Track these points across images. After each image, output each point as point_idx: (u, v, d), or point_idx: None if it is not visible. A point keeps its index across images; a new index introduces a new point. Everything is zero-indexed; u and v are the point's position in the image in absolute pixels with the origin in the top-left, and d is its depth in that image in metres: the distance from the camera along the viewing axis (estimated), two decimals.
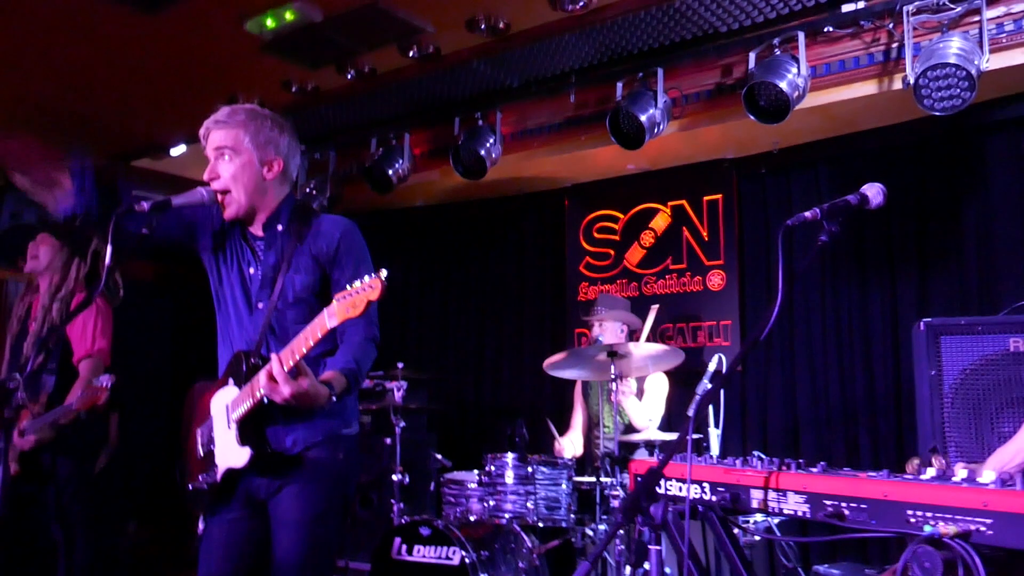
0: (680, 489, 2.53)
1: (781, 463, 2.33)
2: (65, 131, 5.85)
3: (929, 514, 1.91)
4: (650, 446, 4.98)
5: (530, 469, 4.54)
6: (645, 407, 5.12)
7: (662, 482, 2.58)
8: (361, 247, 2.78)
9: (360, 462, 2.90)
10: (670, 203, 6.18)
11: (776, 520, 4.09)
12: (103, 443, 4.37)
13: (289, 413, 2.56)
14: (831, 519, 2.11)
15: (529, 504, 4.49)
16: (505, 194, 6.81)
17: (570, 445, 5.28)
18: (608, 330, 5.23)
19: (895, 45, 4.46)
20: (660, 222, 6.22)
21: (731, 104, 4.94)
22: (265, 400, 2.48)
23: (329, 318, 2.35)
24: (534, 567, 4.40)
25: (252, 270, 2.77)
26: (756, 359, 5.68)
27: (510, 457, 4.59)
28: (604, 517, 4.48)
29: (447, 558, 4.31)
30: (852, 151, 5.40)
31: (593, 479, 4.53)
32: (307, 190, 6.30)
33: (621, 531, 4.11)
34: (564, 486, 4.56)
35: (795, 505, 2.21)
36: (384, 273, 2.28)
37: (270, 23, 4.46)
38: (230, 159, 2.69)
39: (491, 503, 4.58)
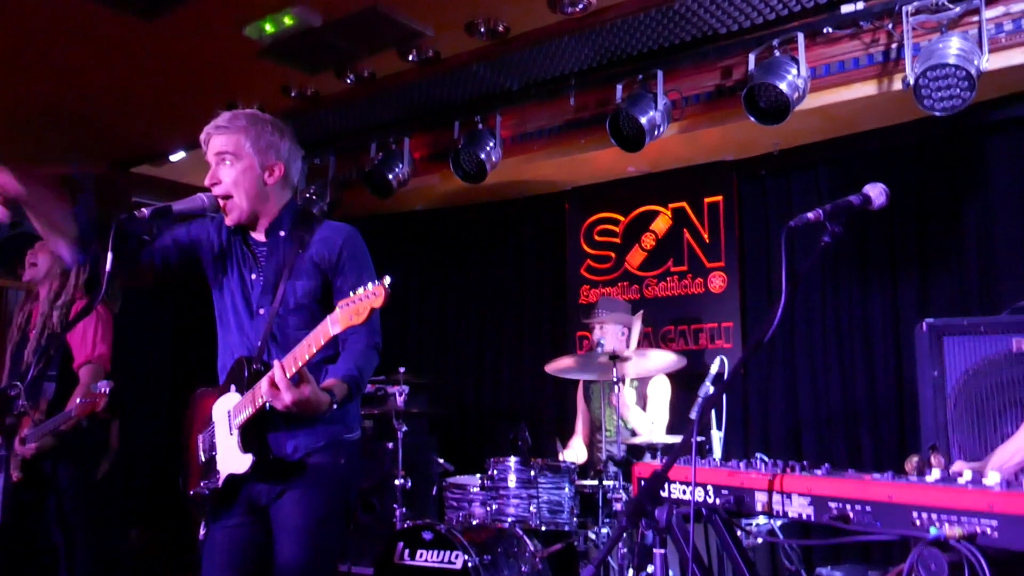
0: (684, 492, 2.53)
1: (785, 465, 2.32)
2: (65, 136, 5.85)
3: (934, 516, 1.90)
4: (653, 449, 4.97)
5: (533, 473, 4.53)
6: (646, 415, 5.11)
7: (665, 485, 2.57)
8: (363, 253, 2.78)
9: (362, 467, 2.89)
10: (671, 205, 6.17)
11: (779, 522, 4.08)
12: (104, 449, 4.37)
13: (291, 419, 2.55)
14: (836, 521, 2.10)
15: (532, 508, 4.48)
16: (505, 197, 6.81)
17: (572, 454, 5.28)
18: (609, 332, 5.22)
19: (894, 46, 4.46)
20: (661, 224, 6.21)
21: (731, 106, 4.94)
22: (267, 407, 2.48)
23: (332, 325, 2.35)
24: (537, 571, 4.39)
25: (254, 276, 2.76)
26: (758, 361, 5.67)
27: (512, 461, 4.59)
28: (607, 520, 4.47)
29: (450, 562, 4.30)
30: (852, 152, 5.40)
31: (596, 482, 4.53)
32: (307, 195, 6.29)
33: (624, 535, 4.10)
34: (567, 490, 4.55)
35: (799, 508, 2.20)
36: (388, 280, 2.27)
37: (269, 28, 4.46)
38: (231, 164, 2.68)
39: (493, 507, 4.57)
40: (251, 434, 2.60)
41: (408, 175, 6.04)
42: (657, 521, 2.11)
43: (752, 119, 4.59)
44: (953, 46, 4.06)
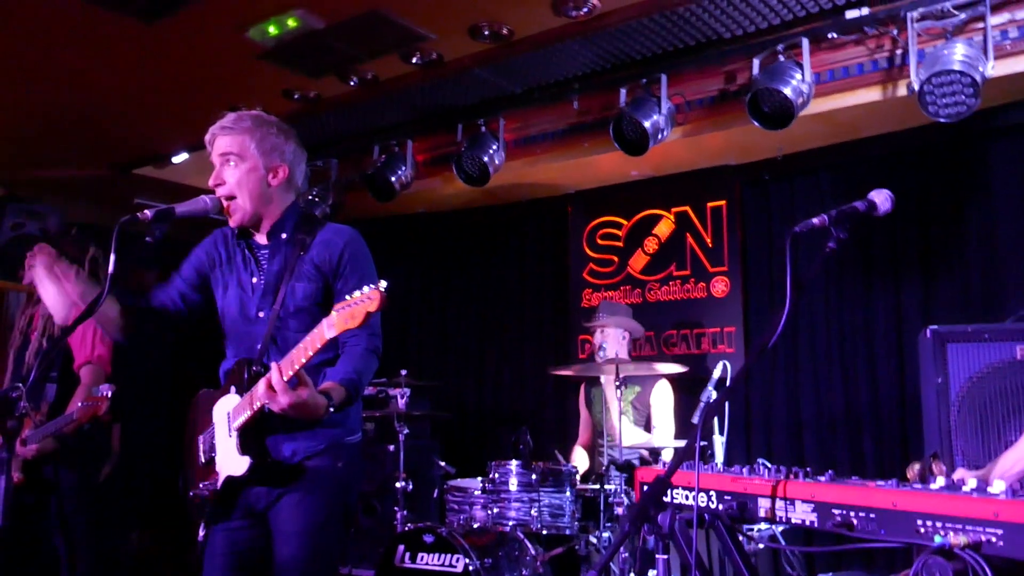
0: (687, 497, 2.51)
1: (788, 471, 2.31)
2: (67, 138, 5.85)
3: (939, 524, 1.89)
4: (655, 454, 4.97)
5: (534, 476, 4.52)
6: (638, 431, 5.12)
7: (668, 490, 2.56)
8: (365, 257, 2.77)
9: (363, 470, 2.88)
10: (674, 209, 6.17)
11: (781, 528, 4.07)
12: (105, 453, 4.36)
13: (290, 422, 2.54)
14: (839, 528, 2.09)
15: (533, 511, 4.47)
16: (508, 201, 6.80)
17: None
18: (610, 337, 5.22)
19: (899, 51, 4.46)
20: (664, 228, 6.21)
21: (735, 110, 4.94)
22: (265, 409, 2.47)
23: (328, 329, 2.32)
24: (538, 575, 4.38)
25: (255, 280, 2.76)
26: (760, 366, 5.67)
27: (514, 464, 4.58)
28: (608, 525, 4.46)
29: (451, 566, 4.29)
30: (856, 157, 5.39)
31: (597, 487, 4.52)
32: (309, 198, 6.29)
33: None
34: (568, 493, 4.54)
35: (803, 514, 2.19)
36: (384, 284, 2.24)
37: (272, 30, 4.45)
38: (235, 165, 2.68)
39: (495, 510, 4.56)
40: (250, 437, 2.59)
41: (411, 178, 6.04)
42: (660, 526, 2.10)
43: (756, 124, 4.59)
44: (958, 52, 4.06)
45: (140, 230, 2.48)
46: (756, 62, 4.64)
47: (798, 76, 4.45)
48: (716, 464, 2.61)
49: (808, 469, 2.31)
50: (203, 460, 2.75)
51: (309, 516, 2.61)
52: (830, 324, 5.47)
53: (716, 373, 4.07)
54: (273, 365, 2.41)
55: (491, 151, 5.56)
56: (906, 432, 5.05)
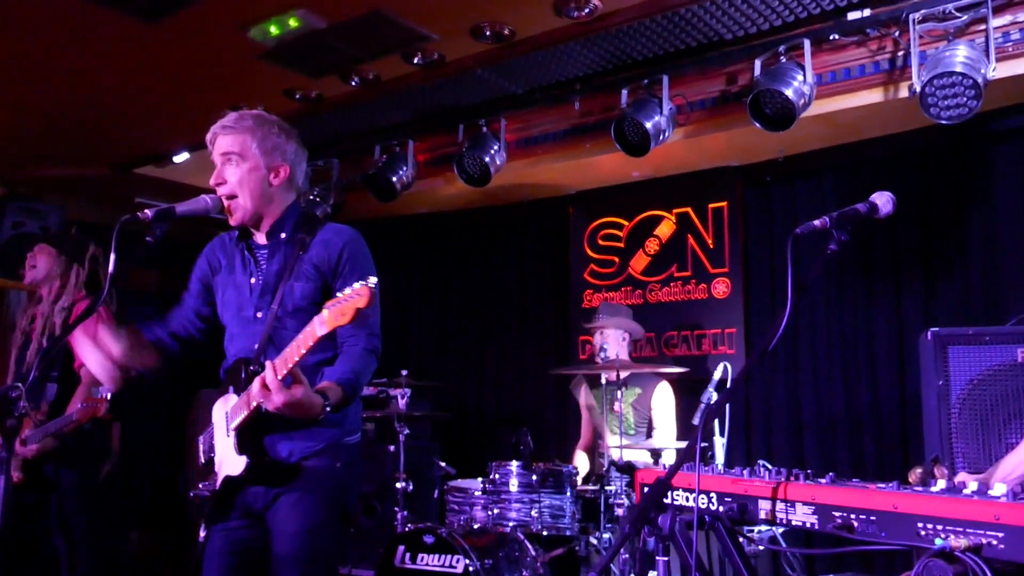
0: (687, 499, 2.51)
1: (789, 473, 2.31)
2: (68, 138, 5.85)
3: (940, 527, 1.89)
4: (656, 455, 4.96)
5: (534, 477, 4.52)
6: (637, 439, 5.12)
7: (668, 492, 2.55)
8: (364, 256, 2.76)
9: (363, 470, 2.87)
10: (675, 210, 6.17)
11: (781, 530, 4.07)
12: (106, 453, 4.36)
13: (287, 422, 2.52)
14: (840, 531, 2.09)
15: (533, 512, 4.47)
16: (509, 201, 6.80)
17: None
18: (610, 338, 5.21)
19: (901, 53, 4.45)
20: (665, 229, 6.20)
21: (736, 112, 4.94)
22: (261, 409, 2.46)
23: (320, 326, 2.31)
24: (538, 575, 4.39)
25: (253, 280, 2.76)
26: (761, 367, 5.66)
27: (514, 465, 4.57)
28: (608, 526, 4.46)
29: (451, 566, 4.28)
30: (858, 159, 5.39)
31: (597, 488, 4.51)
32: (311, 198, 6.29)
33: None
34: (568, 494, 4.53)
35: (803, 516, 2.19)
36: (373, 280, 2.24)
37: (274, 30, 4.45)
38: (236, 164, 2.68)
39: (495, 511, 4.56)
40: (247, 436, 2.58)
41: (412, 178, 6.04)
42: (660, 528, 2.10)
43: (757, 125, 4.58)
44: (960, 54, 4.05)
45: (141, 229, 2.47)
46: (758, 63, 4.63)
47: (800, 77, 4.45)
48: (717, 466, 2.61)
49: (809, 471, 2.31)
50: (202, 460, 2.75)
51: (307, 516, 2.61)
52: (831, 326, 5.47)
53: (717, 375, 4.06)
54: (268, 363, 2.40)
55: (492, 152, 5.56)
56: (907, 435, 5.04)
